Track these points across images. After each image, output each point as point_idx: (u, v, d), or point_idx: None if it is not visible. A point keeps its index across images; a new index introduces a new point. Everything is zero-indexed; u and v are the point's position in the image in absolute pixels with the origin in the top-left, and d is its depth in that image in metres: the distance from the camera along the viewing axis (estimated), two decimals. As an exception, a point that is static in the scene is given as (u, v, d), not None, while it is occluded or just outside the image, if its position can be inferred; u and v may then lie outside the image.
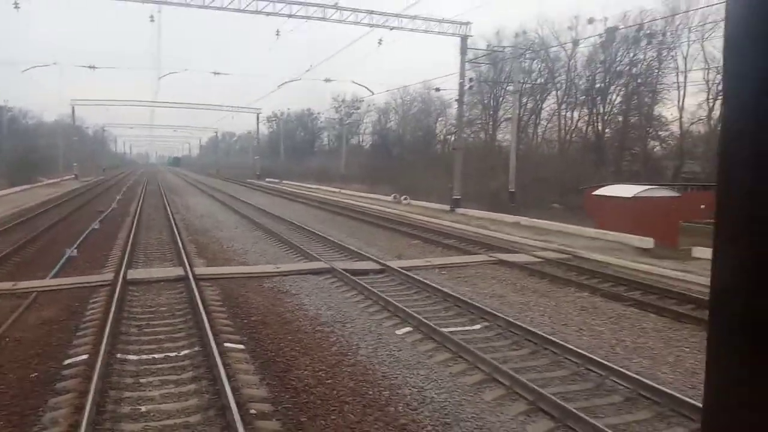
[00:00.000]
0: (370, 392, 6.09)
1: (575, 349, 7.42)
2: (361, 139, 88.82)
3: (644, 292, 10.92)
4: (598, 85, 48.72)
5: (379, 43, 24.38)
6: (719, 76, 43.95)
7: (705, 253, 14.22)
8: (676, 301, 10.24)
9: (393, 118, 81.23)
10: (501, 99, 59.16)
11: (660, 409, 5.87)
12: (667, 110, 47.07)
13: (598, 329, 8.77)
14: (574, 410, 5.59)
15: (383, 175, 51.96)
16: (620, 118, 47.91)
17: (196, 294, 9.43)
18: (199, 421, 5.25)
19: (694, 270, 12.76)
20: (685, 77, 44.48)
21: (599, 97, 49.04)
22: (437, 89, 54.09)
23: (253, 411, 5.42)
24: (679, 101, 44.95)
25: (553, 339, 7.84)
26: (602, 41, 44.49)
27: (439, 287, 10.80)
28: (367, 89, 55.21)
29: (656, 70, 45.41)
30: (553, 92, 52.81)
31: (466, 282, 11.95)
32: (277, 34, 23.53)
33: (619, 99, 48.11)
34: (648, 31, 44.00)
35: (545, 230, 19.53)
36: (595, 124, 49.09)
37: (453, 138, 69.69)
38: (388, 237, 18.39)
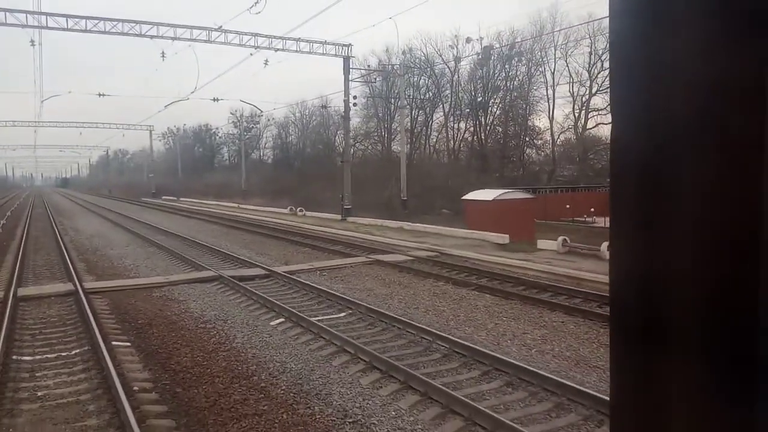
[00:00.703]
0: (240, 368, 7.43)
1: (417, 324, 9.19)
2: (262, 154, 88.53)
3: (487, 278, 13.08)
4: (479, 99, 52.79)
5: (265, 63, 25.58)
6: (583, 89, 49.48)
7: (546, 245, 16.84)
8: (509, 284, 12.45)
9: (293, 132, 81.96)
10: (394, 112, 62.00)
11: (465, 360, 7.71)
12: (540, 121, 52.10)
13: (441, 309, 10.65)
14: (399, 365, 7.27)
15: (284, 188, 52.69)
16: (500, 129, 52.17)
17: (86, 305, 10.22)
18: (88, 399, 6.33)
19: (534, 259, 15.23)
20: (554, 90, 49.60)
21: (481, 110, 53.13)
22: (323, 107, 55.85)
23: (135, 388, 6.58)
24: (549, 112, 49.92)
25: (402, 318, 9.57)
26: (480, 59, 48.52)
27: (317, 286, 12.28)
28: (256, 108, 55.74)
29: (528, 85, 50.13)
30: (441, 106, 56.36)
31: (342, 280, 13.53)
32: (163, 56, 24.03)
33: (498, 111, 52.42)
34: (519, 50, 48.67)
35: (424, 233, 21.67)
36: (479, 134, 53.08)
37: (353, 150, 71.71)
38: (279, 246, 19.61)
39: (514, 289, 11.97)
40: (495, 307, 10.73)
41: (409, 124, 59.56)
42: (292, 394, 6.59)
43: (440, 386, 6.54)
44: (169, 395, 6.47)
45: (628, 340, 0.63)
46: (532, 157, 52.53)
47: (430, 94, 56.63)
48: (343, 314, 10.39)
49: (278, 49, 24.61)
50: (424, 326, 9.09)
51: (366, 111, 63.49)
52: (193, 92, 31.02)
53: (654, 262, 0.60)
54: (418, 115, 59.51)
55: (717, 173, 0.55)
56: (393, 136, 63.10)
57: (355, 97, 32.22)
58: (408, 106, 58.05)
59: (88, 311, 9.76)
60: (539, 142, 52.29)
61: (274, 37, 24.82)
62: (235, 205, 43.43)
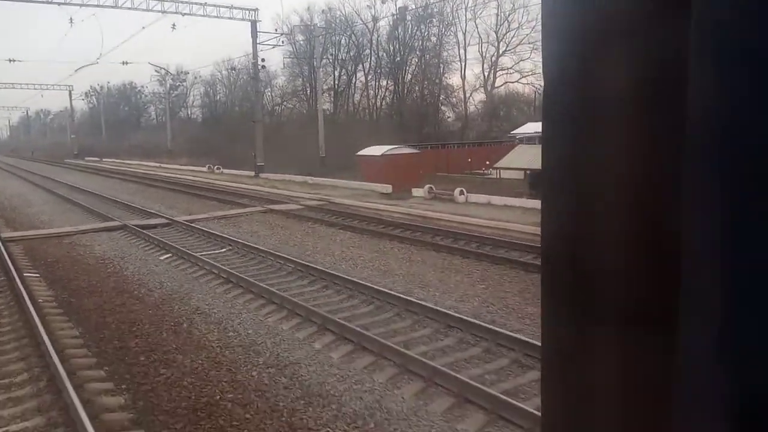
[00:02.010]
0: (125, 287, 9.73)
1: (279, 254, 11.66)
2: (190, 113, 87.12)
3: (357, 220, 15.71)
4: (398, 59, 54.75)
5: (173, 27, 26.57)
6: (492, 49, 52.36)
7: (418, 192, 19.66)
8: (370, 223, 15.13)
9: (221, 91, 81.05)
10: (318, 71, 62.65)
11: (302, 274, 10.29)
12: (454, 79, 54.85)
13: (306, 243, 13.19)
14: (249, 278, 9.73)
15: (212, 147, 53.26)
16: (417, 88, 54.56)
17: (2, 249, 12.08)
18: (3, 308, 8.48)
19: (402, 204, 18.01)
20: (465, 51, 52.25)
21: (399, 70, 55.19)
22: (232, 68, 56.21)
23: (40, 300, 8.77)
24: (461, 72, 52.66)
25: (270, 251, 12.01)
26: (396, 19, 50.28)
27: (209, 230, 14.51)
28: (166, 70, 55.21)
29: (440, 45, 52.48)
30: (362, 65, 57.86)
31: (234, 226, 15.82)
32: (71, 22, 24.63)
33: (415, 70, 54.64)
34: (432, 11, 50.69)
35: (323, 186, 24.10)
36: (399, 93, 55.30)
37: (280, 108, 71.81)
38: (188, 200, 21.52)
39: (370, 226, 14.68)
40: (349, 240, 13.39)
41: (333, 82, 60.81)
42: (161, 300, 8.97)
43: (273, 289, 9.08)
44: (66, 303, 8.72)
45: (559, 300, 0.61)
46: (447, 114, 55.50)
47: (352, 54, 57.95)
48: (224, 250, 12.74)
49: (185, 14, 25.68)
50: (284, 255, 11.59)
51: (292, 70, 63.80)
52: (99, 57, 31.39)
53: (584, 216, 0.58)
54: (341, 74, 60.68)
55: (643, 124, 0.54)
56: (318, 95, 63.95)
57: (263, 60, 33.53)
58: (330, 65, 59.14)
59: (4, 252, 11.65)
60: (454, 100, 55.20)
61: (181, 1, 25.82)
62: (157, 164, 44.14)
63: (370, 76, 59.10)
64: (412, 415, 5.22)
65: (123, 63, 36.93)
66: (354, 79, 60.62)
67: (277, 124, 63.30)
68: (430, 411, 5.30)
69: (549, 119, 0.63)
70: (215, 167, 34.28)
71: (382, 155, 22.77)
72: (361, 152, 24.49)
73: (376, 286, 9.06)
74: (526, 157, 19.43)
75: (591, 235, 0.59)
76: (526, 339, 6.65)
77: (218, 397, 5.66)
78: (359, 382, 5.91)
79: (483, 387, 5.46)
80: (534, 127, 34.39)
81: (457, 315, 7.58)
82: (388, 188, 21.04)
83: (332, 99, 62.10)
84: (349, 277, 9.63)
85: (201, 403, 5.54)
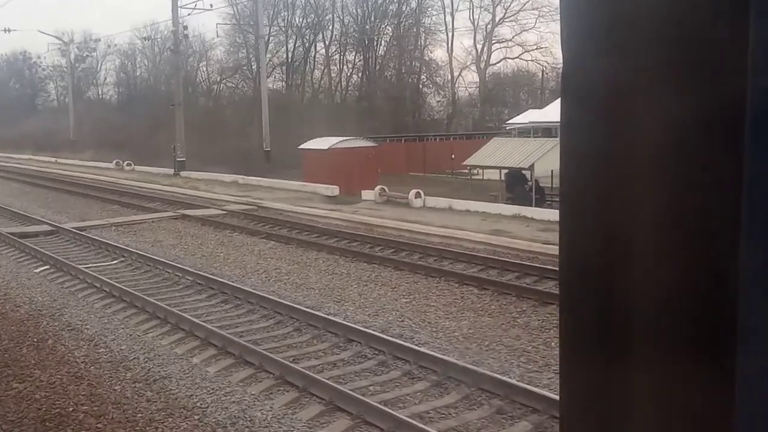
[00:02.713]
0: (-12, 301, 10.86)
1: (181, 266, 12.86)
2: (101, 92, 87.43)
3: (287, 228, 16.99)
4: (368, 27, 56.27)
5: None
6: (487, 15, 54.18)
7: (369, 195, 21.01)
8: (301, 232, 16.41)
9: (142, 65, 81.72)
10: (268, 40, 63.64)
11: (201, 287, 11.51)
12: (439, 54, 56.47)
13: (217, 254, 14.41)
14: (137, 293, 10.91)
15: (128, 138, 53.88)
16: (392, 64, 56.08)
17: None
18: None
19: (345, 210, 19.35)
20: (453, 17, 54.06)
21: (371, 40, 56.61)
22: (152, 37, 57.36)
23: None
24: (448, 44, 54.32)
25: (173, 263, 13.20)
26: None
27: (102, 239, 15.65)
28: (59, 39, 55.92)
29: (423, 9, 54.08)
30: (322, 34, 59.15)
31: (134, 234, 16.98)
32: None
33: (390, 41, 56.08)
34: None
35: (257, 187, 25.36)
36: (369, 70, 56.65)
37: (218, 88, 72.81)
38: (84, 204, 22.61)
39: (299, 235, 15.97)
40: (269, 251, 14.65)
41: (285, 55, 62.08)
42: (27, 315, 10.12)
43: (161, 304, 10.28)
44: None
45: (581, 335, 0.63)
46: (431, 98, 57.00)
47: (309, 20, 59.24)
48: (115, 261, 13.91)
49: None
50: (185, 267, 12.80)
51: (233, 39, 64.06)
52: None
53: (615, 239, 0.59)
54: (296, 45, 61.82)
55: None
56: (269, 71, 65.02)
57: (185, 27, 34.75)
58: (282, 34, 60.37)
59: None
60: (439, 80, 56.78)
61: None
62: (53, 160, 44.98)
63: (333, 49, 60.39)
64: (275, 422, 6.47)
65: (5, 30, 37.70)
66: (313, 51, 61.92)
67: (215, 107, 64.30)
68: (296, 419, 6.56)
69: (569, 104, 0.65)
70: (125, 163, 35.30)
71: (329, 149, 24.10)
72: (305, 145, 25.81)
73: (283, 300, 10.31)
74: (502, 153, 20.89)
75: (628, 252, 0.60)
76: (426, 351, 7.95)
77: (71, 409, 6.85)
78: (229, 394, 7.15)
79: (353, 394, 6.74)
80: (536, 116, 36.14)
81: (361, 329, 8.86)
82: (334, 190, 22.35)
83: (285, 77, 63.34)
84: (255, 291, 10.87)
85: (51, 414, 6.73)
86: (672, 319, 0.60)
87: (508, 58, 53.62)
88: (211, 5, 35.06)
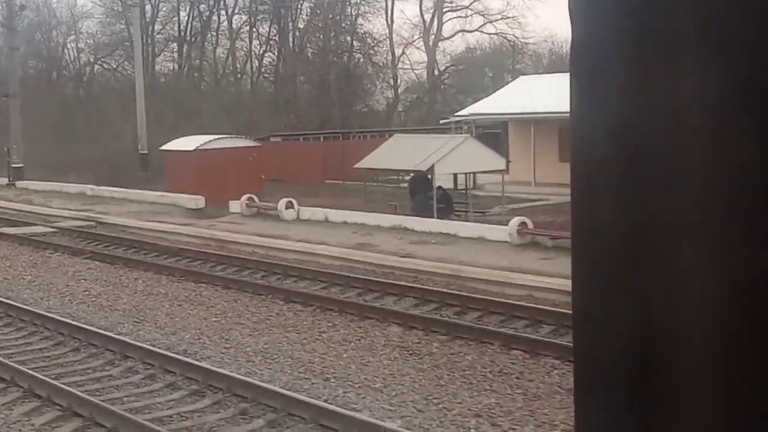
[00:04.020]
0: None
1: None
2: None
3: (121, 246, 19.29)
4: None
5: None
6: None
7: (236, 207, 23.36)
8: (134, 250, 18.72)
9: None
10: (157, 6, 65.05)
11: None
12: (377, 26, 59.05)
13: (24, 277, 16.65)
14: None
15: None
16: (318, 36, 58.49)
17: None
18: None
19: (203, 225, 21.72)
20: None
21: (287, 9, 58.98)
22: None
23: None
24: (387, 13, 57.06)
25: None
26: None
27: None
28: None
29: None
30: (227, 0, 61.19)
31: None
32: None
33: (313, 9, 58.50)
34: None
35: (105, 199, 27.61)
36: (285, 46, 59.01)
37: (92, 70, 74.00)
38: None
39: (134, 254, 18.29)
40: (86, 272, 16.93)
41: (177, 28, 64.03)
42: None
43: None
44: None
45: (599, 382, 0.70)
46: (370, 83, 59.51)
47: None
48: None
49: None
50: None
51: (110, 8, 64.91)
52: None
53: (652, 286, 0.65)
54: (191, 16, 63.78)
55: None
56: (160, 50, 66.60)
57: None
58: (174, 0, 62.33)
59: None
60: (379, 59, 59.38)
61: None
62: None
63: (241, 20, 62.40)
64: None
65: None
66: (216, 22, 63.89)
67: (86, 97, 65.61)
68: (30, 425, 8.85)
69: (582, 82, 0.73)
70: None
71: (196, 151, 26.33)
72: (168, 146, 28.03)
73: (74, 322, 12.59)
74: (401, 154, 23.33)
75: (667, 270, 0.66)
76: (193, 362, 10.32)
77: None
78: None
79: (91, 398, 9.08)
80: (488, 107, 38.70)
81: (141, 345, 11.19)
82: (198, 201, 24.62)
83: (177, 56, 65.14)
84: (47, 313, 13.12)
85: None
86: (725, 393, 0.65)
87: (465, 30, 56.34)
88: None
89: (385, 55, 58.62)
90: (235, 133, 45.94)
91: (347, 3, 56.99)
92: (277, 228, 20.51)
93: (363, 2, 58.05)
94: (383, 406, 9.09)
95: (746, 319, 0.66)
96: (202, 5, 61.98)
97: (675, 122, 0.68)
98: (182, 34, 63.40)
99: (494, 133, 40.23)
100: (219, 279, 15.56)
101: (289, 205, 21.68)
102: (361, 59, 58.48)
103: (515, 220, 17.19)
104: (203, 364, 10.42)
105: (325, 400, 9.13)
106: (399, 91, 58.00)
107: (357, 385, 9.80)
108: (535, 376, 9.93)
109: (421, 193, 23.00)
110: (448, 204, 23.16)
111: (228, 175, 26.22)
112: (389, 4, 56.74)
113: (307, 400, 8.97)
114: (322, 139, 45.65)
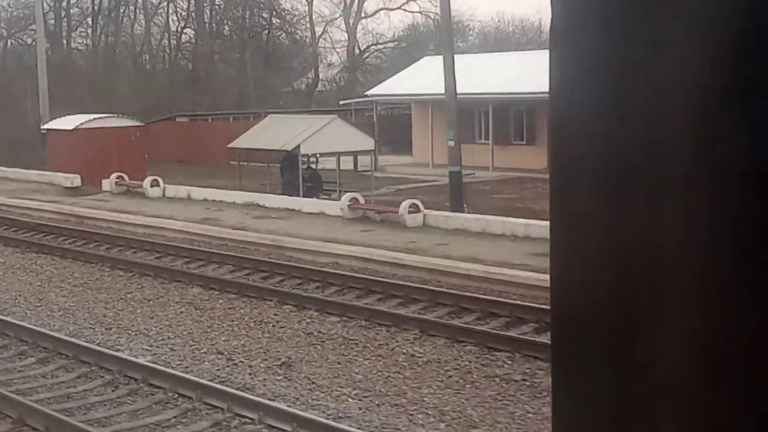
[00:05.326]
0: None
1: None
2: None
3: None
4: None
5: None
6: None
7: (107, 185, 25.33)
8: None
9: None
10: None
11: None
12: (299, 4, 60.73)
13: None
14: None
15: None
16: (237, 11, 60.04)
17: None
18: None
19: (69, 203, 23.67)
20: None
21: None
22: None
23: None
24: (306, -10, 58.84)
25: None
26: None
27: None
28: None
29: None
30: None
31: None
32: None
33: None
34: None
35: (-11, 178, 29.37)
36: (201, 23, 60.52)
37: (5, 45, 74.82)
38: None
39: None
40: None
41: (91, 2, 65.04)
42: None
43: None
44: None
45: (586, 399, 0.75)
46: (289, 63, 61.27)
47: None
48: None
49: None
50: None
51: None
52: None
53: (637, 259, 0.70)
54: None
55: None
56: (75, 25, 67.48)
57: None
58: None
59: None
60: (302, 37, 61.11)
61: None
62: None
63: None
64: None
65: None
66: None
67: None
68: None
69: (564, 63, 0.75)
70: None
71: (75, 130, 28.15)
72: (50, 124, 29.83)
73: None
74: (272, 134, 25.37)
75: (656, 280, 0.71)
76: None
77: None
78: None
79: None
80: (390, 88, 40.72)
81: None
82: (74, 180, 26.51)
83: (92, 32, 66.16)
84: None
85: None
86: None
87: (387, 8, 58.29)
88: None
89: (306, 34, 60.37)
90: (143, 113, 47.77)
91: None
92: (139, 205, 22.52)
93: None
94: (144, 347, 11.28)
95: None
96: (117, -21, 62.95)
97: (658, 100, 0.71)
98: (96, 8, 64.30)
99: (407, 115, 42.19)
100: (59, 250, 17.57)
101: (155, 183, 23.70)
102: (281, 37, 60.21)
103: (346, 197, 19.46)
104: (8, 318, 12.44)
105: (97, 344, 11.27)
106: (321, 70, 59.83)
107: (133, 333, 11.98)
108: (290, 324, 12.16)
109: (289, 173, 25.07)
110: (317, 183, 25.30)
111: (109, 155, 28.08)
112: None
113: (75, 341, 11.11)
114: (231, 120, 47.39)
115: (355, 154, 26.91)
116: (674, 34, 0.70)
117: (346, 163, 28.34)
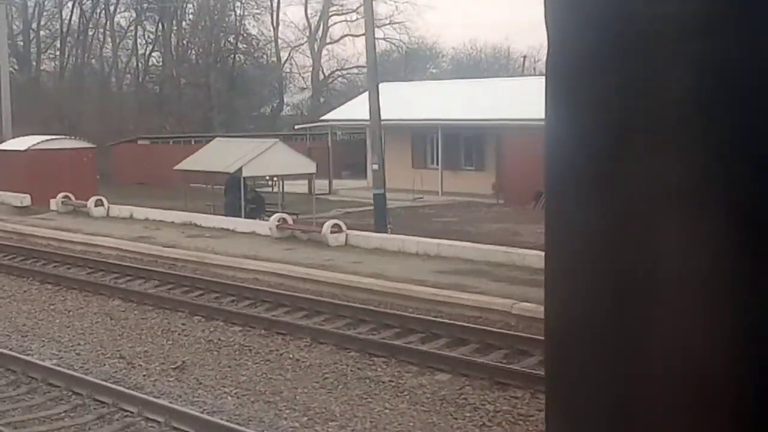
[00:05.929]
0: None
1: None
2: None
3: None
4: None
5: None
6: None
7: (54, 205, 26.37)
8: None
9: None
10: (41, 4, 66.93)
11: None
12: (264, 29, 62.02)
13: None
14: None
15: None
16: (200, 37, 61.25)
17: None
18: None
19: (14, 221, 24.68)
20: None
21: (177, 7, 61.57)
22: None
23: None
24: (272, 14, 60.16)
25: None
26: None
27: None
28: None
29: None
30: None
31: None
32: None
33: (198, 8, 61.24)
34: None
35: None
36: (168, 46, 61.71)
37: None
38: None
39: None
40: None
41: (60, 25, 65.96)
42: None
43: None
44: None
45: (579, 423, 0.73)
46: (256, 89, 62.44)
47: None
48: None
49: None
50: None
51: None
52: None
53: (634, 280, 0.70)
54: (75, 12, 65.70)
55: None
56: (45, 46, 68.27)
57: None
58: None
59: None
60: (266, 61, 62.32)
61: None
62: None
63: (128, 16, 64.72)
64: None
65: None
66: (104, 19, 65.86)
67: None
68: None
69: (560, 97, 0.78)
70: None
71: (27, 151, 29.25)
72: (4, 145, 30.91)
73: None
74: (217, 157, 26.43)
75: (652, 300, 0.72)
76: None
77: None
78: None
79: None
80: (345, 113, 41.78)
81: None
82: (24, 199, 27.56)
83: (59, 54, 67.08)
84: None
85: None
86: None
87: (352, 35, 59.66)
88: None
89: (272, 59, 61.66)
90: (107, 135, 48.84)
91: (232, 4, 59.86)
92: (81, 223, 23.60)
93: (248, 3, 60.97)
94: (53, 352, 12.32)
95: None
96: (86, 2, 63.98)
97: (650, 134, 0.72)
98: (65, 31, 65.29)
99: (363, 140, 43.39)
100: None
101: (99, 203, 24.84)
102: (246, 62, 61.47)
103: (275, 217, 20.64)
104: None
105: (9, 349, 12.28)
106: (289, 95, 61.16)
107: (47, 340, 13.02)
108: (194, 333, 13.25)
109: (232, 194, 26.10)
110: (259, 205, 26.35)
111: (61, 175, 29.14)
112: (274, 5, 59.84)
113: (-16, 346, 12.17)
114: (193, 143, 48.49)
115: (295, 177, 27.86)
116: (667, 70, 0.75)
117: (302, 187, 29.33)
